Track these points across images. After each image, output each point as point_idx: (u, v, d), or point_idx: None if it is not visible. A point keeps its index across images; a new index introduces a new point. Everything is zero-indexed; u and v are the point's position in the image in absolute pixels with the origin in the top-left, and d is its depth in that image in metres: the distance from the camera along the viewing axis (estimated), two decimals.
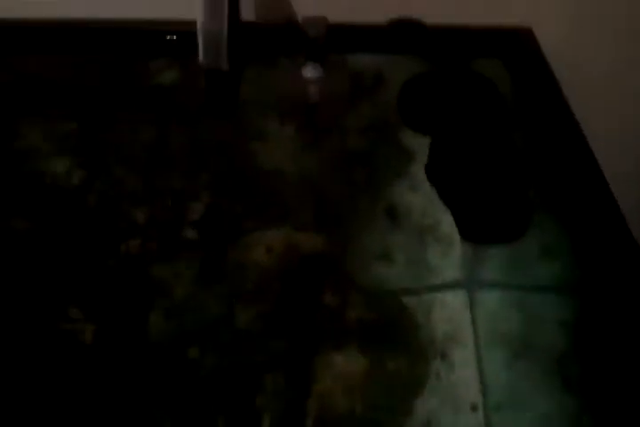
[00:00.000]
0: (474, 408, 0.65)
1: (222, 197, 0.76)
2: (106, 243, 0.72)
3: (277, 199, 0.77)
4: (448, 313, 0.73)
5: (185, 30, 0.75)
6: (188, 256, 0.71)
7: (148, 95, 0.82)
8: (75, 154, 0.80)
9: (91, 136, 0.81)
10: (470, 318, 0.72)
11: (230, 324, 0.67)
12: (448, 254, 0.77)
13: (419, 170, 0.82)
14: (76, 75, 0.86)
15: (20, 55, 0.88)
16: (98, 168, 0.79)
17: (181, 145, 0.80)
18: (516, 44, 0.90)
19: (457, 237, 0.77)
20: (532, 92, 0.88)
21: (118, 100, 0.83)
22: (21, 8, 0.84)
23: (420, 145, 0.82)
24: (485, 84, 0.83)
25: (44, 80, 0.84)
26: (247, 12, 0.84)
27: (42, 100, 0.83)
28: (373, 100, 0.84)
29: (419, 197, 0.80)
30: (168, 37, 0.82)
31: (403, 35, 0.84)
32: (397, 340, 0.69)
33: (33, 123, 0.82)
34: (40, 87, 0.84)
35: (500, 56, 0.89)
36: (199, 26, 0.68)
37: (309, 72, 0.81)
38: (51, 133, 0.81)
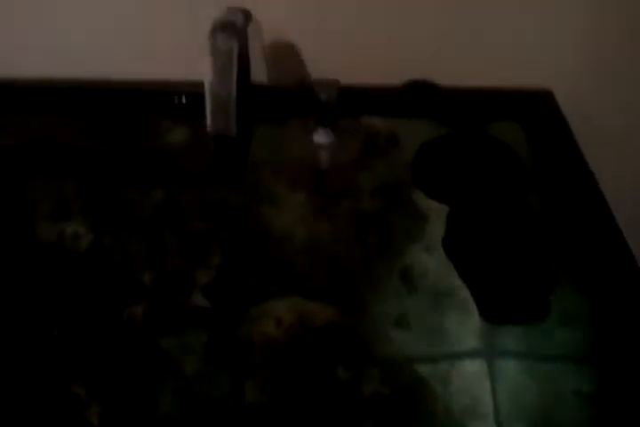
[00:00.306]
0: None
1: (231, 263, 0.75)
2: (111, 308, 0.71)
3: (288, 266, 0.76)
4: (466, 383, 0.70)
5: (194, 91, 0.74)
6: (197, 327, 0.70)
7: (157, 157, 0.82)
8: (82, 216, 0.79)
9: (98, 198, 0.81)
10: (490, 388, 0.69)
11: (240, 400, 0.65)
12: (465, 321, 0.74)
13: (433, 232, 0.80)
14: (85, 136, 0.86)
15: (30, 115, 0.88)
16: (105, 230, 0.78)
17: (190, 208, 0.80)
18: (535, 107, 0.88)
19: (474, 303, 0.75)
20: (551, 155, 0.86)
21: (126, 161, 0.83)
22: (33, 67, 0.85)
23: (434, 207, 0.81)
24: (502, 148, 0.81)
25: (53, 142, 0.84)
26: (257, 74, 0.84)
27: (50, 161, 0.83)
28: (387, 161, 0.83)
29: (434, 260, 0.78)
30: (177, 99, 0.82)
31: (417, 97, 0.83)
32: (414, 413, 0.66)
33: (40, 185, 0.82)
34: (49, 149, 0.84)
35: (518, 119, 0.87)
36: (207, 90, 0.67)
37: (320, 137, 0.79)
38: (58, 195, 0.81)
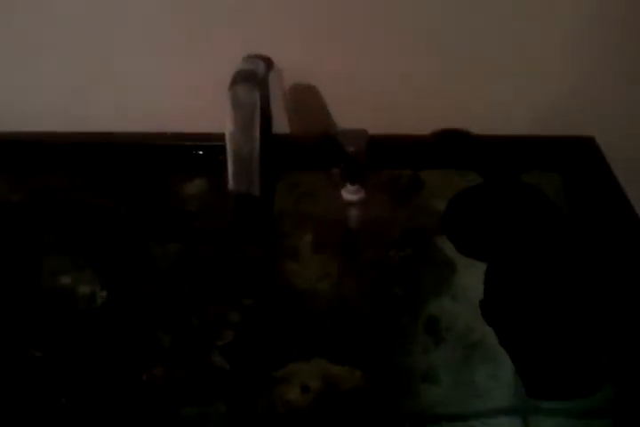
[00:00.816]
0: None
1: (253, 322, 0.73)
2: (126, 371, 0.69)
3: (312, 325, 0.73)
4: None
5: (211, 144, 0.72)
6: (216, 392, 0.67)
7: (176, 212, 0.80)
8: (98, 273, 0.78)
9: (115, 255, 0.79)
10: None
11: None
12: (498, 375, 0.71)
13: (461, 280, 0.77)
14: (98, 191, 0.84)
15: (40, 171, 0.87)
16: (123, 288, 0.76)
17: (209, 263, 0.77)
18: (576, 154, 0.83)
19: (506, 355, 0.72)
20: (594, 205, 0.80)
21: (144, 218, 0.81)
22: (43, 122, 0.84)
23: (461, 255, 0.78)
24: (540, 198, 0.77)
25: (67, 199, 0.83)
26: (279, 124, 0.82)
27: (62, 218, 0.82)
28: (415, 212, 0.80)
29: (462, 310, 0.75)
30: (194, 152, 0.80)
31: (449, 146, 0.79)
32: None
33: (51, 242, 0.80)
34: (61, 206, 0.83)
35: (556, 167, 0.83)
36: (229, 146, 0.65)
37: (349, 194, 0.74)
38: (73, 253, 0.79)
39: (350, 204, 0.74)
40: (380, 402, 0.69)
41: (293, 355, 0.70)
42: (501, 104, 0.83)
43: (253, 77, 0.68)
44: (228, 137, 0.64)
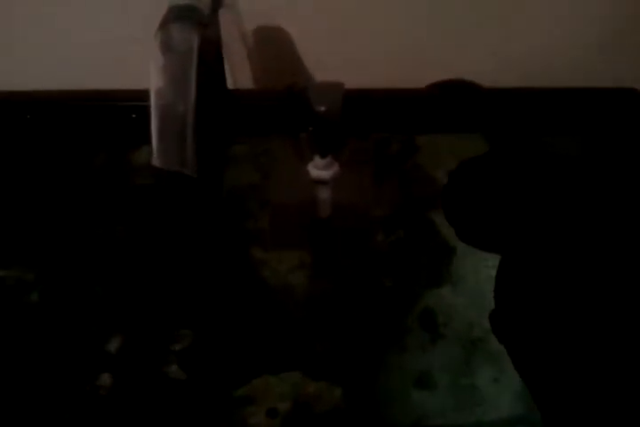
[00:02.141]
0: None
1: (212, 324, 0.61)
2: (69, 380, 0.59)
3: (283, 329, 0.61)
4: None
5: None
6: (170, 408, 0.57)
7: (127, 193, 0.65)
8: (33, 262, 0.65)
9: (54, 241, 0.66)
10: None
11: None
12: (502, 379, 0.62)
13: (462, 267, 0.66)
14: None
15: None
16: (61, 278, 0.64)
17: (161, 251, 0.64)
18: (613, 110, 0.66)
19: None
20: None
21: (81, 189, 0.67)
22: None
23: None
24: (566, 170, 0.57)
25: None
26: (237, 78, 0.66)
27: None
28: (405, 177, 0.66)
29: (462, 302, 0.65)
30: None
31: (450, 102, 0.62)
32: None
33: None
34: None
35: (585, 129, 0.66)
36: (154, 106, 0.48)
37: (319, 170, 0.57)
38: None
39: (321, 182, 0.58)
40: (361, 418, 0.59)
41: (260, 367, 0.59)
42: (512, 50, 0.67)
43: (192, 14, 0.51)
44: (153, 95, 0.48)
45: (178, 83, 0.49)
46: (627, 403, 0.44)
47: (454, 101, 0.62)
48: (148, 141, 0.49)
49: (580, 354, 0.47)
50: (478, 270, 0.65)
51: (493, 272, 0.54)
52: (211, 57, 0.59)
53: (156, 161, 0.48)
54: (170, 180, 0.59)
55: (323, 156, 0.57)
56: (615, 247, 0.51)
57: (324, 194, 0.59)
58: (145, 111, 0.49)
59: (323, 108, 0.56)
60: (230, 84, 0.65)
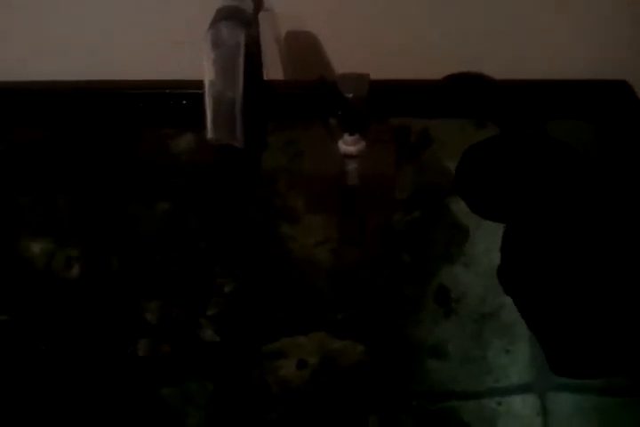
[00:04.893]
0: None
1: (245, 291, 0.66)
2: (111, 345, 0.63)
3: (310, 294, 0.66)
4: (516, 423, 0.62)
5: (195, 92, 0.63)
6: (203, 369, 0.61)
7: (158, 168, 0.72)
8: (75, 238, 0.70)
9: (93, 215, 0.72)
10: None
11: None
12: (512, 350, 0.66)
13: (474, 246, 0.70)
14: (77, 144, 0.76)
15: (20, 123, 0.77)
16: (102, 254, 0.69)
17: (198, 228, 0.70)
18: (608, 101, 0.73)
19: (521, 328, 0.66)
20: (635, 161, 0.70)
21: (123, 175, 0.73)
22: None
23: (475, 218, 0.71)
24: (567, 152, 0.65)
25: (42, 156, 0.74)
26: (272, 70, 0.73)
27: (36, 174, 0.73)
28: (423, 168, 0.72)
29: (475, 279, 0.69)
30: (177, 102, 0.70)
31: (463, 92, 0.68)
32: None
33: (26, 201, 0.72)
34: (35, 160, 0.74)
35: (585, 116, 0.73)
36: (208, 91, 0.56)
37: (347, 146, 0.66)
38: (50, 212, 0.72)
39: (349, 156, 0.66)
40: (384, 379, 0.63)
41: (289, 328, 0.64)
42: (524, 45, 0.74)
43: (238, 15, 0.59)
44: (207, 82, 0.56)
45: (227, 72, 0.56)
46: (625, 340, 0.50)
47: (468, 92, 0.69)
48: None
49: (579, 299, 0.55)
50: (491, 251, 0.70)
51: None
52: (252, 52, 0.67)
53: (210, 135, 0.56)
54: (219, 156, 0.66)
55: (351, 134, 0.64)
56: (600, 214, 0.59)
57: (352, 166, 0.66)
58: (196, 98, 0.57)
59: (351, 95, 0.64)
60: (265, 77, 0.72)
